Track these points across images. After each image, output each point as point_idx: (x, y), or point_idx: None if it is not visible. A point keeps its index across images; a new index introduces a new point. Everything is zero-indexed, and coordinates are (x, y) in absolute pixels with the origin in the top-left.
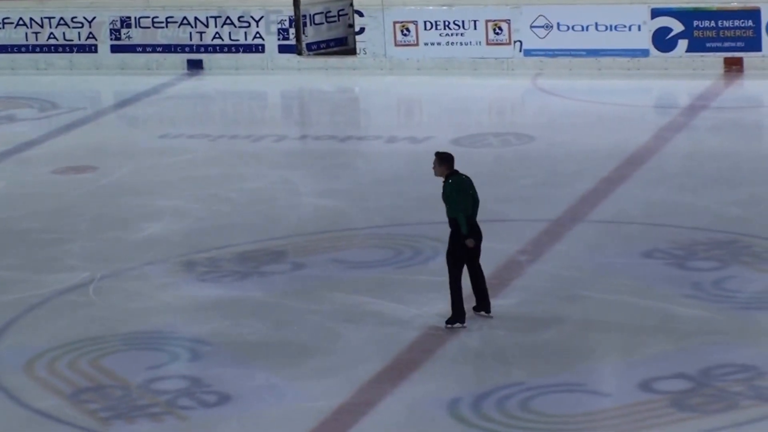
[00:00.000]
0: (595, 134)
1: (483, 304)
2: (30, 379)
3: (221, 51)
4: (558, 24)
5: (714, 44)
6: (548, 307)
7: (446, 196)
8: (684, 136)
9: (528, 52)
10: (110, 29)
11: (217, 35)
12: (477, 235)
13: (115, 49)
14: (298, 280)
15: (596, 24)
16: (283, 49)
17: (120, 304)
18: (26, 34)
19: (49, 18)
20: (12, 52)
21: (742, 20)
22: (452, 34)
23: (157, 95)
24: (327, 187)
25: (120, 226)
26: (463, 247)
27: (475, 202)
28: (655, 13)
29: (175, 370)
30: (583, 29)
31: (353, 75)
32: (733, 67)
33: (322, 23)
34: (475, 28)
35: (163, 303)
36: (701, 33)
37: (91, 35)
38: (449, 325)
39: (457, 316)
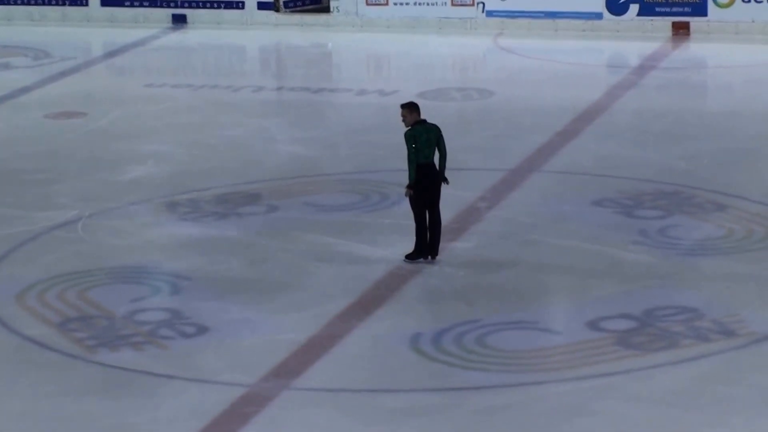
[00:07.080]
0: (551, 91)
1: (429, 249)
2: (21, 309)
3: (204, 6)
4: None
5: (663, 9)
6: (504, 250)
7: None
8: (633, 94)
9: (490, 13)
10: None
11: None
12: (430, 181)
13: (104, 2)
14: (273, 221)
15: None
16: (262, 6)
17: (106, 240)
18: None
19: None
20: (8, 4)
21: None
22: None
23: (143, 47)
24: (301, 135)
25: (107, 168)
26: (424, 192)
27: (441, 151)
28: None
29: (157, 302)
30: None
31: (327, 32)
32: (681, 30)
33: None
34: None
35: (147, 240)
36: None
37: None
38: (408, 260)
39: (418, 252)
